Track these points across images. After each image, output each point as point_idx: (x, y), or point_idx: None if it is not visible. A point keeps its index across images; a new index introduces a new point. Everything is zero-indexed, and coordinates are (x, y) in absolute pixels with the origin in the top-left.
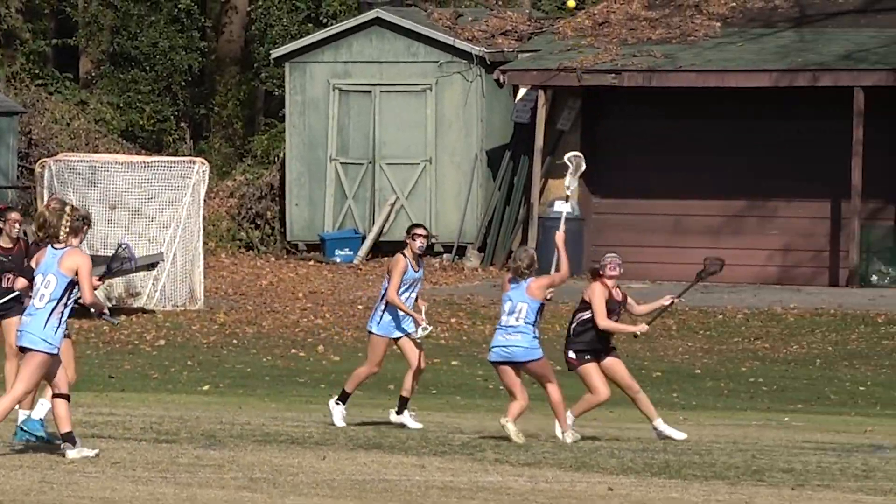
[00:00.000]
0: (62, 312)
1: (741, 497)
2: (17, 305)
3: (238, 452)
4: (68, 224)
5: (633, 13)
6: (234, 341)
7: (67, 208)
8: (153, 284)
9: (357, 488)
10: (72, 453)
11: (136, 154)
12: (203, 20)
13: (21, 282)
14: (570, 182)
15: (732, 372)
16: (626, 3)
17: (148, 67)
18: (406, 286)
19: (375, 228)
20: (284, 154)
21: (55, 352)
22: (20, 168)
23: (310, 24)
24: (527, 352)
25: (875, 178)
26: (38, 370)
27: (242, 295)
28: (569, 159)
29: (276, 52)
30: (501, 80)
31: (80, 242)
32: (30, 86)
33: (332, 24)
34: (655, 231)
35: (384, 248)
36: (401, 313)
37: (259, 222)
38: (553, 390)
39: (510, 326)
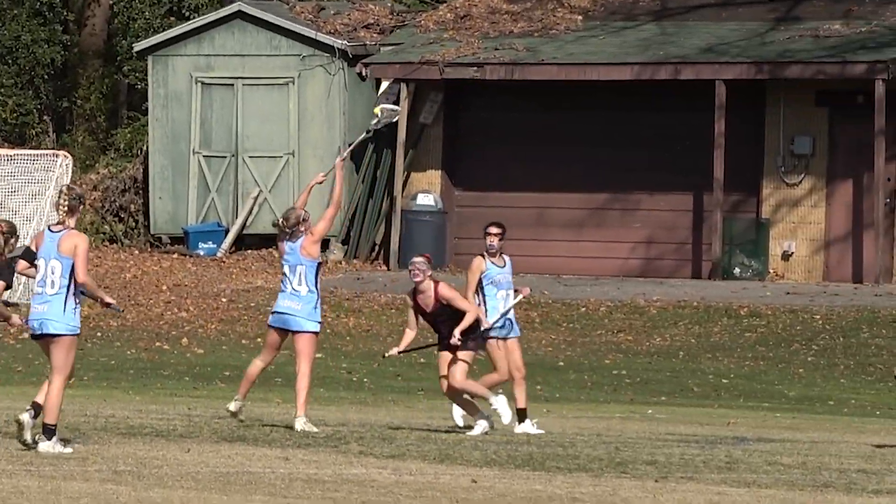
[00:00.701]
0: (75, 294)
1: (605, 489)
2: None
3: (102, 445)
4: (66, 204)
5: (494, 6)
6: (99, 334)
7: (63, 188)
8: (16, 278)
9: (221, 481)
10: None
11: None
12: (65, 14)
13: (21, 265)
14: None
15: (596, 364)
16: None
17: (10, 61)
18: (494, 283)
19: (239, 221)
20: (147, 147)
21: (78, 332)
22: None
23: (172, 18)
24: (303, 322)
25: (737, 170)
26: (70, 353)
27: (106, 288)
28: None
29: (138, 46)
30: (364, 74)
31: (76, 222)
32: None
33: (194, 18)
34: (518, 224)
35: (248, 241)
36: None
37: (123, 215)
38: (304, 372)
39: (293, 292)
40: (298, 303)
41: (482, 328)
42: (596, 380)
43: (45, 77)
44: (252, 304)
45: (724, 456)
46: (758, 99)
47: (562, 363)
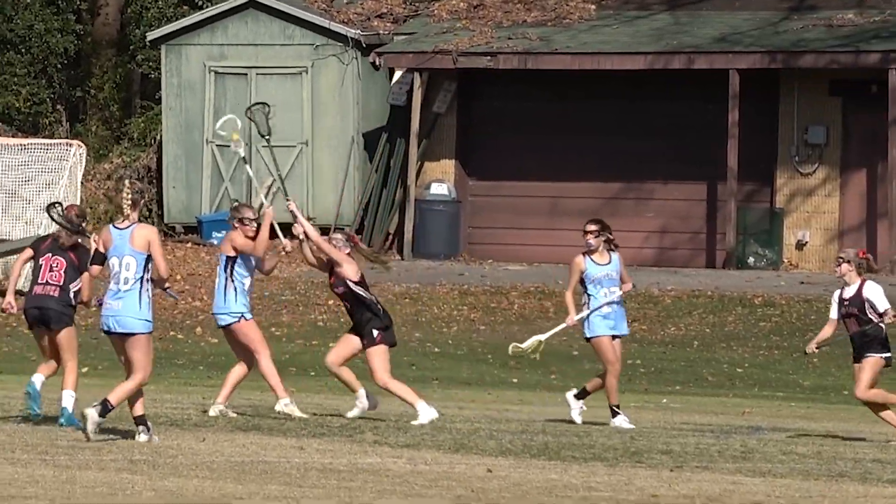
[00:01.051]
0: (147, 289)
1: (620, 478)
2: None
3: (118, 435)
4: (129, 198)
5: None
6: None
7: (126, 182)
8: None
9: (236, 470)
10: (141, 437)
11: (13, 136)
12: (78, 3)
13: (95, 269)
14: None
15: None
16: None
17: (23, 50)
18: (594, 282)
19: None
20: (161, 137)
21: (153, 328)
22: None
23: (185, 7)
24: (219, 317)
25: (751, 160)
26: (149, 351)
27: None
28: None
29: (151, 35)
30: (377, 63)
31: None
32: None
33: (207, 7)
34: (532, 213)
35: None
36: (605, 310)
37: None
38: (262, 361)
39: (216, 287)
40: (214, 297)
41: (564, 324)
42: None
43: (59, 66)
44: (266, 294)
45: (739, 445)
46: (771, 88)
47: (576, 352)
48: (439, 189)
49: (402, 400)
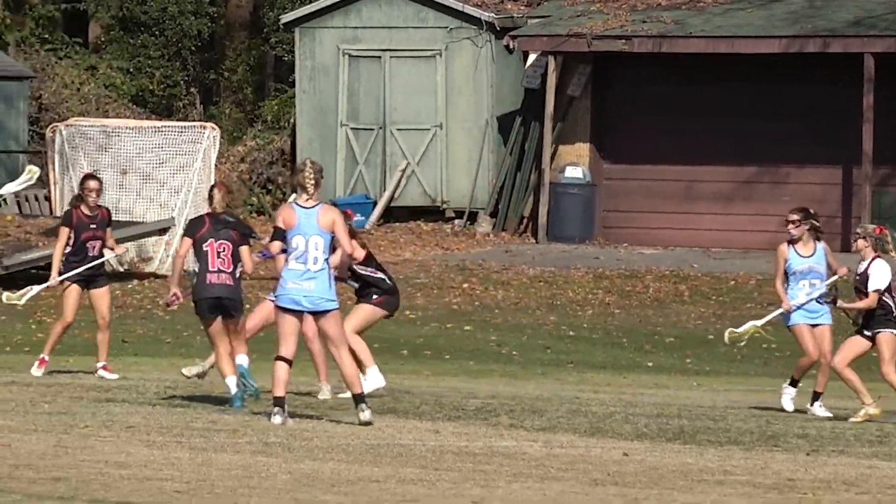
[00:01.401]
0: (331, 270)
1: (756, 462)
2: (102, 277)
3: (252, 417)
4: (312, 178)
5: None
6: (247, 306)
7: (308, 162)
8: (165, 249)
9: (372, 453)
10: (276, 419)
11: (147, 119)
12: None
13: (276, 245)
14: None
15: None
16: None
17: (157, 32)
18: (795, 274)
19: (387, 194)
20: (295, 119)
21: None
22: (31, 133)
23: None
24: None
25: (886, 144)
26: (340, 323)
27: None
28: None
29: (285, 18)
30: (511, 46)
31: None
32: (39, 51)
33: None
34: (666, 196)
35: (396, 214)
36: (803, 299)
37: (270, 187)
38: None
39: None
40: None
41: (780, 310)
42: (746, 353)
43: (192, 49)
44: (400, 277)
45: (876, 429)
46: None
47: (711, 336)
48: (574, 172)
49: (357, 357)
